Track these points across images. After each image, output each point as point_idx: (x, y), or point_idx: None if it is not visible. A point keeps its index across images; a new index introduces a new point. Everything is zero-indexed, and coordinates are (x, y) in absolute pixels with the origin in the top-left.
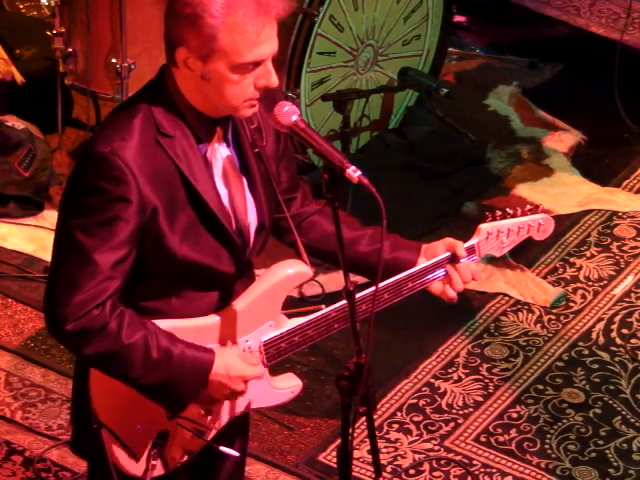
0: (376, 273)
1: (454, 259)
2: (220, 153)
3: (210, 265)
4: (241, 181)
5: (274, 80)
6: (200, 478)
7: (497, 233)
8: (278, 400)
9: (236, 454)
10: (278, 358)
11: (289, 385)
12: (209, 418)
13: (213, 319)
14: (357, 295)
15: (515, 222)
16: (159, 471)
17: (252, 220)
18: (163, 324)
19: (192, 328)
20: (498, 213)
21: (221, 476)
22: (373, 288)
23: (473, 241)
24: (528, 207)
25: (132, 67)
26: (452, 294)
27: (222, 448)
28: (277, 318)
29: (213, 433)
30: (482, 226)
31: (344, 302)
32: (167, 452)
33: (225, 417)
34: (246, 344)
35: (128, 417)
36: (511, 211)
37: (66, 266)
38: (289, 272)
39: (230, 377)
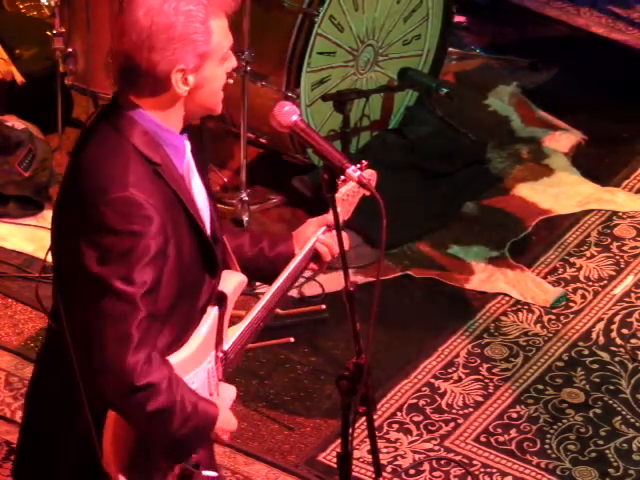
0: (263, 271)
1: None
2: (192, 165)
3: (202, 290)
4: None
5: (235, 60)
6: None
7: (347, 197)
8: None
9: (215, 474)
10: (228, 369)
11: (227, 395)
12: None
13: (187, 350)
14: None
15: (354, 184)
16: None
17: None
18: None
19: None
20: (341, 178)
21: None
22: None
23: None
24: (357, 166)
25: None
26: (326, 260)
27: (205, 472)
28: (226, 331)
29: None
30: (337, 195)
31: (263, 302)
32: None
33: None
34: (209, 365)
35: (137, 468)
36: (343, 176)
37: (112, 320)
38: (234, 285)
39: (222, 425)
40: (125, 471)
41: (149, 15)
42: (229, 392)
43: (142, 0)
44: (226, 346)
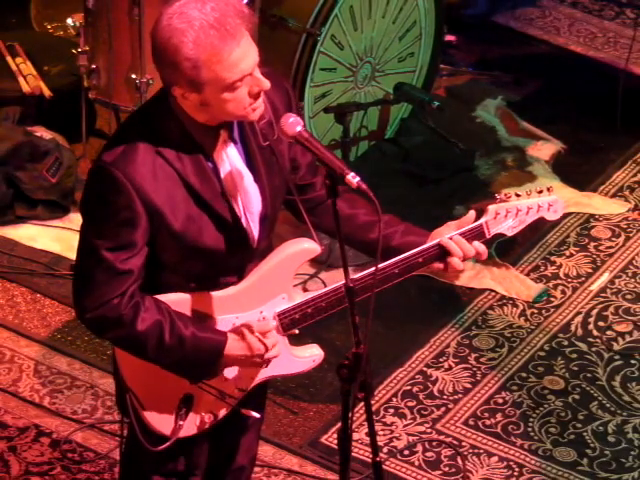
0: (385, 255)
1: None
2: (226, 153)
3: (215, 250)
4: (246, 175)
5: (265, 84)
6: (222, 443)
7: (506, 213)
8: (299, 368)
9: (257, 415)
10: (293, 328)
11: (310, 354)
12: (231, 384)
13: (226, 292)
14: (361, 274)
15: (524, 203)
16: (187, 432)
17: (257, 210)
18: (175, 297)
19: (205, 300)
20: (508, 194)
21: (241, 441)
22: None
23: (480, 221)
24: (538, 189)
25: (150, 82)
26: (456, 264)
27: (243, 410)
28: (289, 291)
29: (235, 400)
30: (490, 207)
31: (354, 277)
32: (193, 414)
33: (246, 384)
34: (260, 315)
35: (153, 382)
36: (521, 193)
37: (82, 264)
38: (297, 248)
39: (248, 348)
40: (140, 387)
41: (153, 34)
42: (311, 351)
43: (159, 18)
44: (283, 307)
